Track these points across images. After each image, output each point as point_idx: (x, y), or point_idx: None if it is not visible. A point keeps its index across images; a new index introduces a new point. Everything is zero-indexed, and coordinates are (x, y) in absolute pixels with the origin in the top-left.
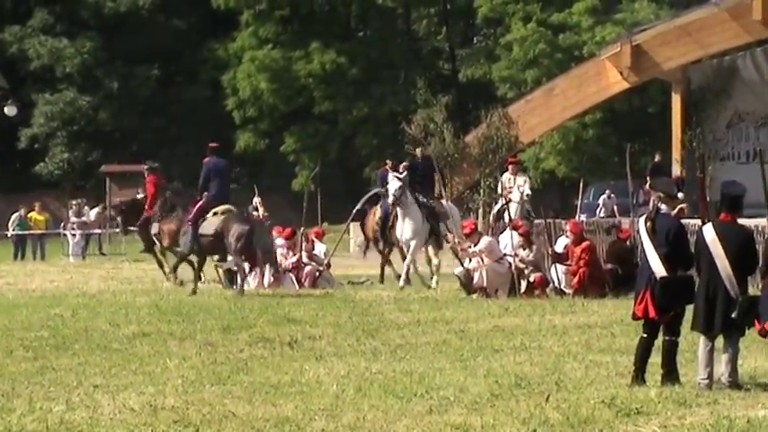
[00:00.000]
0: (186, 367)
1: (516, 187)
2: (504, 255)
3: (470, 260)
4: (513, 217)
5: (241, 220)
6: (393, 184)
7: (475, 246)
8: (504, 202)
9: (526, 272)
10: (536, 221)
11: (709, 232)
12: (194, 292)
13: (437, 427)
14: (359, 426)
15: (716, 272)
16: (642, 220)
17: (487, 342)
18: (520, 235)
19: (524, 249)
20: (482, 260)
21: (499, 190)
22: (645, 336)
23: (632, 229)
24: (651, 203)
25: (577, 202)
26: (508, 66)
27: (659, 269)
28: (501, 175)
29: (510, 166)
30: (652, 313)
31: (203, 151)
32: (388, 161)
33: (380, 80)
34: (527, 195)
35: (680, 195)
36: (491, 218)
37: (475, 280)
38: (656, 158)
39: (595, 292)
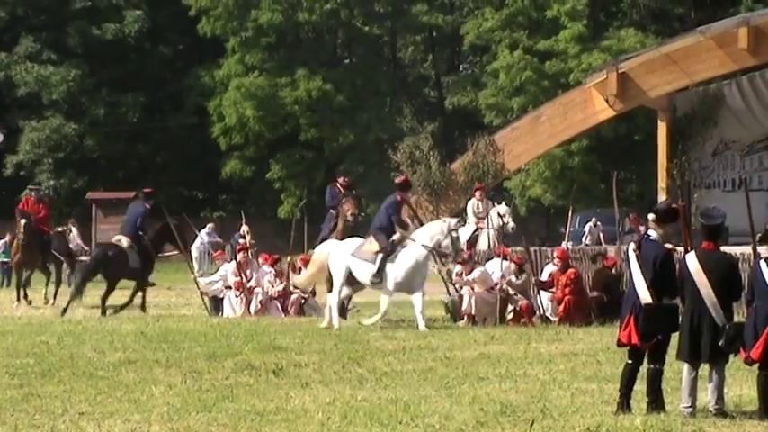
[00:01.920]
0: (172, 394)
1: (497, 214)
2: (495, 284)
3: (462, 287)
4: (492, 245)
5: (100, 248)
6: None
7: (467, 274)
8: (474, 229)
9: (516, 297)
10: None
11: (692, 261)
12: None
13: None
14: None
15: (700, 300)
16: (632, 245)
17: (473, 370)
18: (514, 262)
19: (516, 277)
20: (472, 288)
21: (470, 217)
22: (630, 362)
23: (618, 257)
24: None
25: (563, 229)
26: (494, 93)
27: (645, 295)
28: (467, 203)
29: (476, 193)
30: (634, 339)
31: (190, 178)
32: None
33: (366, 107)
34: (512, 228)
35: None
36: (464, 245)
37: (464, 306)
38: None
39: (581, 319)
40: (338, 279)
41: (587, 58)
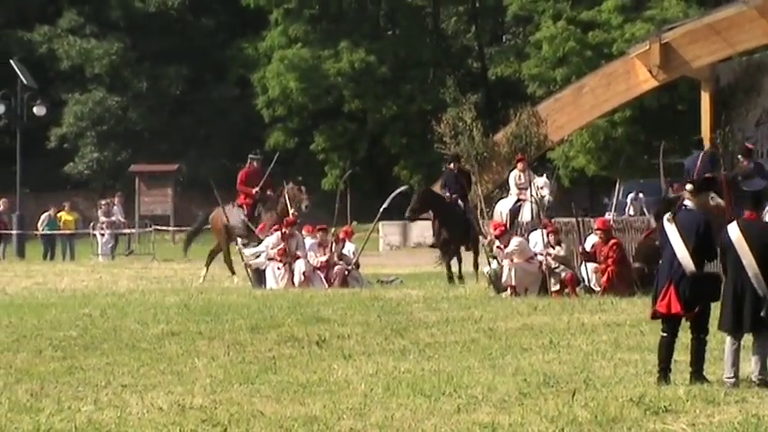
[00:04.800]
0: (214, 366)
1: (535, 187)
2: (535, 254)
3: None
4: (534, 216)
5: None
6: None
7: (506, 247)
8: (516, 200)
9: (558, 270)
10: (557, 220)
11: (734, 231)
12: None
13: (465, 426)
14: (387, 425)
15: (742, 270)
16: (666, 216)
17: (516, 341)
18: (548, 233)
19: (554, 248)
20: (512, 260)
21: (512, 188)
22: (665, 335)
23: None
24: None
25: (607, 200)
26: (537, 64)
27: (688, 264)
28: (509, 173)
29: (518, 164)
30: (677, 308)
31: (232, 150)
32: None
33: (409, 79)
34: (548, 201)
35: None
36: (505, 217)
37: (503, 278)
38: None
39: (624, 290)
40: None
41: (630, 28)
